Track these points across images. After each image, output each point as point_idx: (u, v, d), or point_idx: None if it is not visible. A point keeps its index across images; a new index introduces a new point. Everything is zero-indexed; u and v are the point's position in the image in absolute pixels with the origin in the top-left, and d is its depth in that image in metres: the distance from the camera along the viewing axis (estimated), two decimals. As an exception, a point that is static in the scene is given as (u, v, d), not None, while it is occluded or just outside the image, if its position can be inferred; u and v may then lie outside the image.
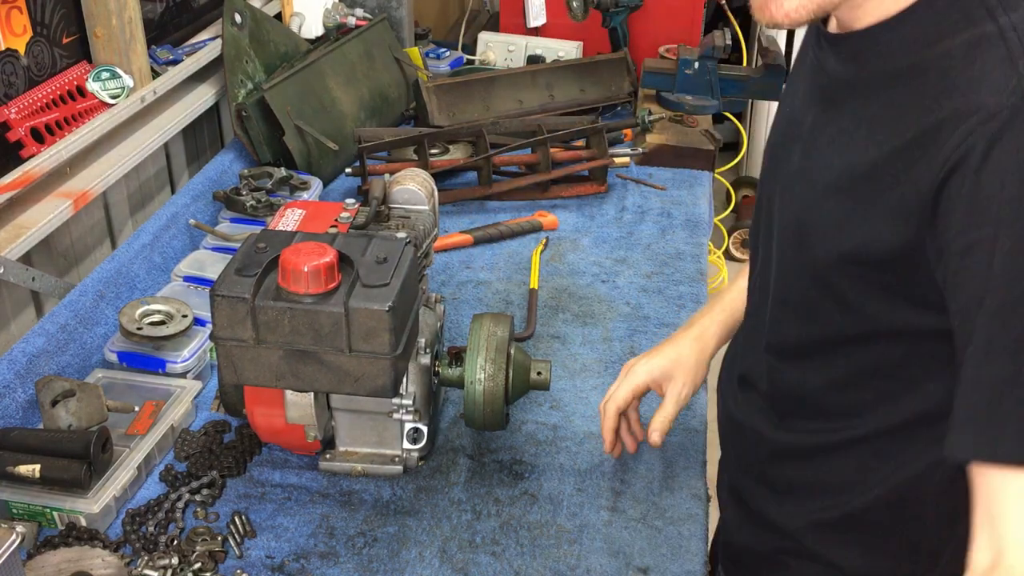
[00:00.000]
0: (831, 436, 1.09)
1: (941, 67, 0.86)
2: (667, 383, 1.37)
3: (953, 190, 0.83)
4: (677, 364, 1.37)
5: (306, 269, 1.15)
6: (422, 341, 1.37)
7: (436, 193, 1.50)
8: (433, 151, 2.28)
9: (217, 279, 1.18)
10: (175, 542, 1.29)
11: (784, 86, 1.18)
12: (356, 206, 1.42)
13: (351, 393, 1.21)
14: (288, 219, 1.42)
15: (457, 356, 1.43)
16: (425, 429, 1.38)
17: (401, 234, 1.35)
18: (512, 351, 1.40)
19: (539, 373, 1.43)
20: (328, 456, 1.41)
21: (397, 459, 1.41)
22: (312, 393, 1.29)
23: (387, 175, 1.48)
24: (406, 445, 1.39)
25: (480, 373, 1.36)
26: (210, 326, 1.61)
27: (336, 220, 1.39)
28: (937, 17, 0.88)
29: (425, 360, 1.38)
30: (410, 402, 1.35)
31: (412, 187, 1.46)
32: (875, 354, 1.00)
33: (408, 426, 1.37)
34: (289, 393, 1.29)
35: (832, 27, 0.99)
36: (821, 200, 0.98)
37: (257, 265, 1.18)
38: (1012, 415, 0.79)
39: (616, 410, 1.38)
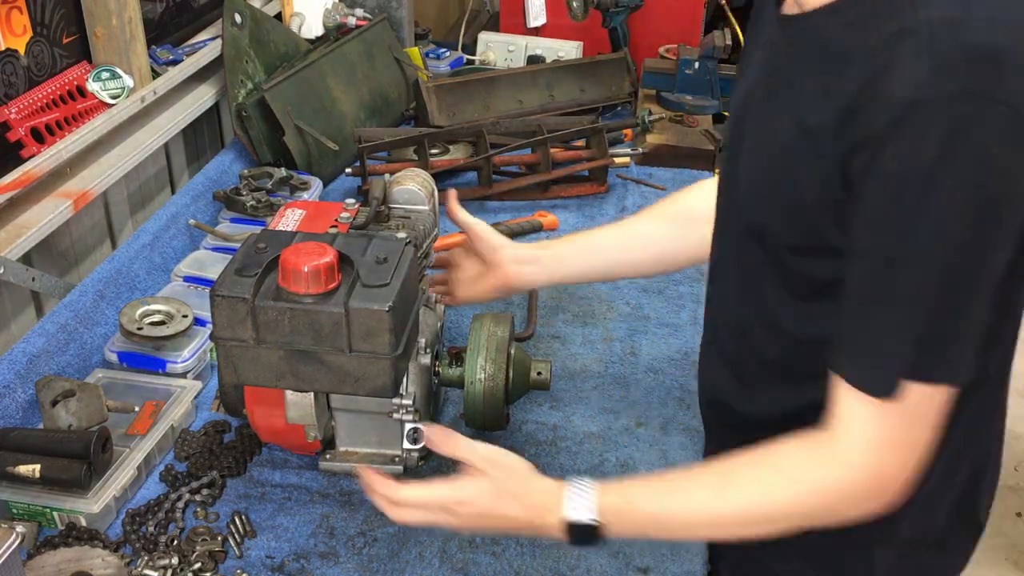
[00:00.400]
0: (796, 402, 1.11)
1: (865, 54, 0.91)
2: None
3: (856, 167, 0.91)
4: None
5: (306, 269, 1.15)
6: (422, 341, 1.37)
7: (436, 193, 1.50)
8: (433, 151, 2.28)
9: (217, 279, 1.18)
10: (175, 542, 1.29)
11: (740, 61, 1.23)
12: (356, 206, 1.42)
13: (351, 393, 1.21)
14: (288, 219, 1.42)
15: (457, 356, 1.43)
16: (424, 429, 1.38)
17: (401, 234, 1.35)
18: (512, 351, 1.41)
19: (539, 373, 1.43)
20: (328, 456, 1.41)
21: (397, 459, 1.41)
22: (312, 393, 1.29)
23: (387, 175, 1.48)
24: (406, 445, 1.39)
25: (480, 373, 1.36)
26: (210, 326, 1.62)
27: (336, 220, 1.39)
28: (872, 6, 0.92)
29: (425, 360, 1.38)
30: (410, 402, 1.35)
31: (412, 187, 1.46)
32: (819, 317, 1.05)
33: (408, 426, 1.37)
34: (289, 393, 1.29)
35: (785, 8, 1.04)
36: (766, 166, 1.05)
37: (257, 265, 1.18)
38: (877, 337, 0.94)
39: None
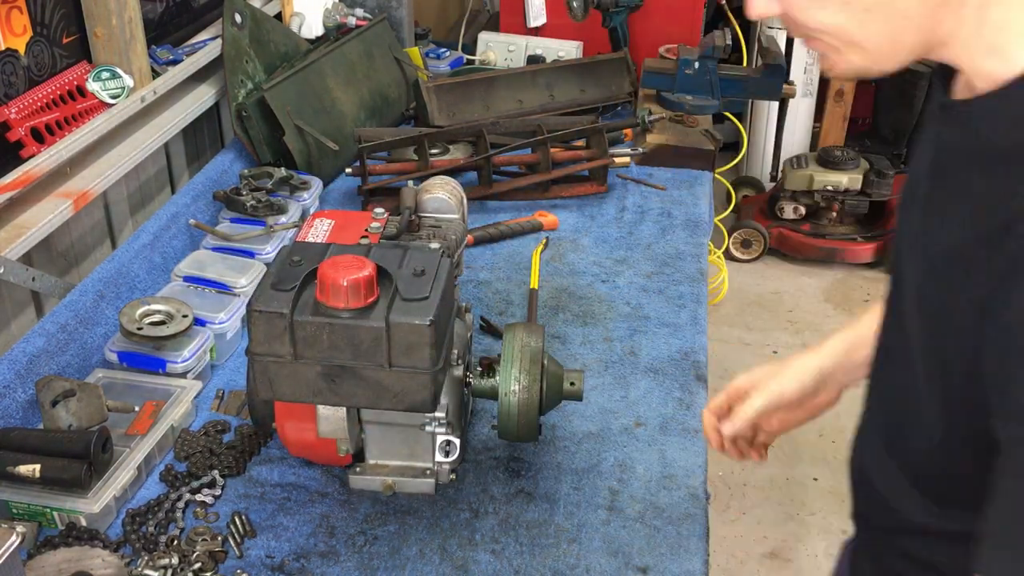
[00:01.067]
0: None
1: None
2: (764, 381, 1.23)
3: (996, 305, 0.73)
4: (778, 368, 1.23)
5: (345, 283, 1.12)
6: (455, 352, 1.34)
7: (466, 201, 1.48)
8: (433, 151, 2.28)
9: (253, 294, 1.16)
10: (175, 542, 1.29)
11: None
12: (385, 216, 1.40)
13: (390, 408, 1.19)
14: (317, 229, 1.40)
15: (489, 367, 1.39)
16: (458, 441, 1.35)
17: (434, 244, 1.33)
18: (545, 361, 1.38)
19: (572, 383, 1.40)
20: (358, 470, 1.38)
21: (428, 472, 1.38)
22: (345, 407, 1.26)
23: (410, 182, 1.45)
24: (439, 458, 1.36)
25: (515, 384, 1.33)
26: (210, 326, 1.62)
27: (366, 230, 1.37)
28: None
29: (458, 372, 1.35)
30: (443, 414, 1.32)
31: (442, 196, 1.44)
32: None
33: (440, 438, 1.35)
34: (321, 407, 1.26)
35: (955, 92, 0.86)
36: (928, 273, 0.87)
37: (294, 279, 1.16)
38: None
39: (708, 412, 1.27)
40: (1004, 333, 0.72)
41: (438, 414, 1.32)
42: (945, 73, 0.85)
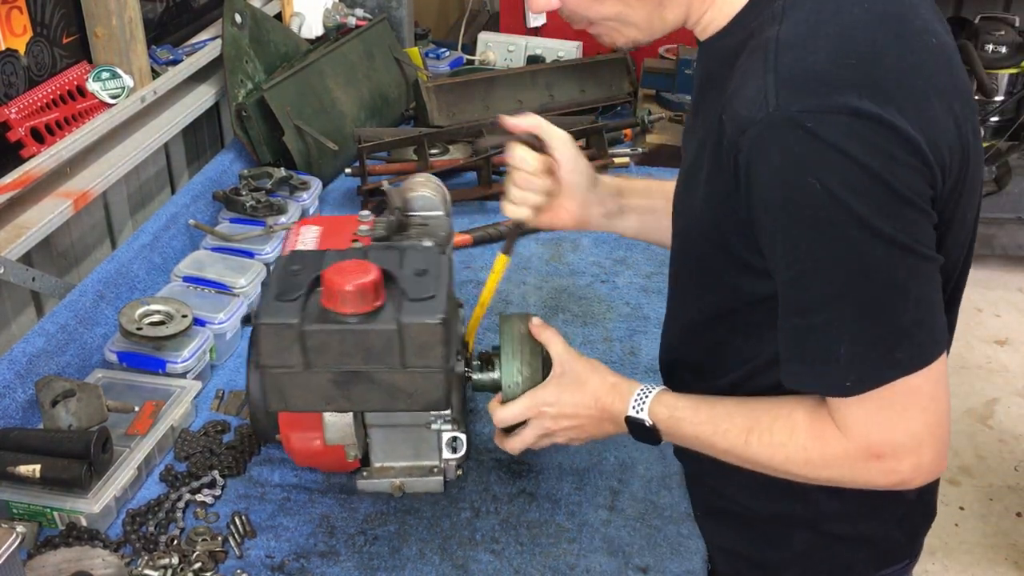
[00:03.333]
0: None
1: (733, 73, 1.00)
2: None
3: (749, 186, 0.97)
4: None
5: (351, 288, 1.12)
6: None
7: (449, 197, 1.48)
8: (433, 151, 2.28)
9: (258, 308, 1.15)
10: (175, 542, 1.29)
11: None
12: (371, 218, 1.39)
13: (405, 409, 1.18)
14: (305, 237, 1.39)
15: (488, 361, 1.38)
16: (464, 437, 1.35)
17: (427, 242, 1.33)
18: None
19: None
20: (365, 474, 1.38)
21: (436, 470, 1.37)
22: (351, 412, 1.26)
23: (385, 183, 1.45)
24: (446, 455, 1.36)
25: (517, 376, 1.32)
26: (210, 326, 1.62)
27: (356, 233, 1.37)
28: (746, 25, 1.03)
29: (460, 367, 1.34)
30: (449, 412, 1.31)
31: (427, 193, 1.44)
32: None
33: (447, 436, 1.35)
34: (328, 414, 1.25)
35: (698, 34, 1.12)
36: (687, 188, 1.15)
37: (297, 289, 1.15)
38: (809, 359, 1.01)
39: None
40: (752, 195, 0.97)
41: (444, 412, 1.31)
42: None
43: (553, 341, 1.28)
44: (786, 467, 1.09)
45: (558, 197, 1.34)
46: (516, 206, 1.31)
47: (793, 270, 0.98)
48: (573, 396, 1.24)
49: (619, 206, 1.40)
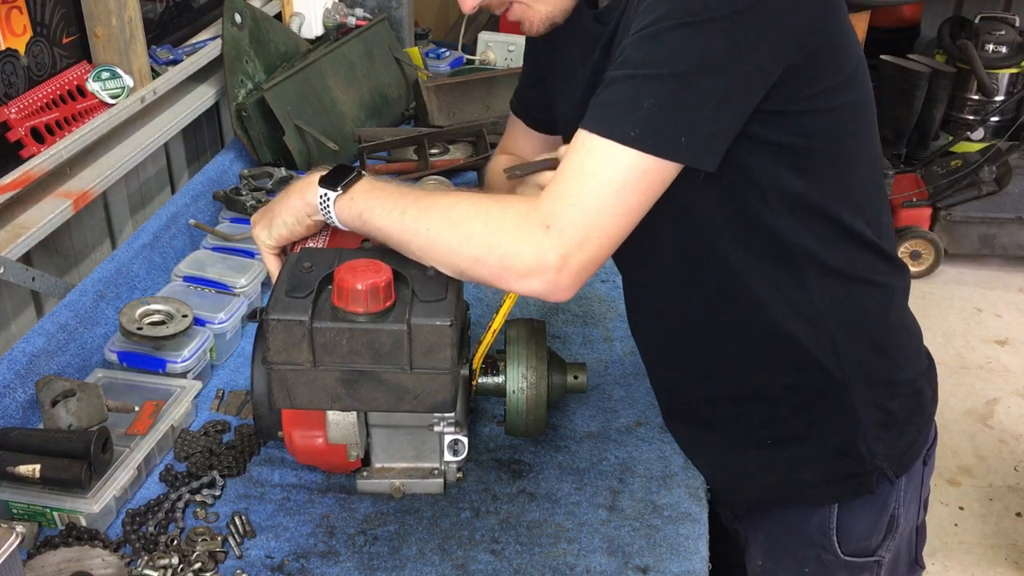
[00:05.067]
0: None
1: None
2: None
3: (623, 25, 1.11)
4: None
5: (363, 287, 1.12)
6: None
7: None
8: (433, 151, 2.28)
9: (269, 303, 1.14)
10: (175, 542, 1.29)
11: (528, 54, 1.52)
12: None
13: (410, 410, 1.19)
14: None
15: (493, 364, 1.39)
16: (466, 440, 1.35)
17: None
18: (549, 357, 1.38)
19: (576, 377, 1.41)
20: (365, 474, 1.38)
21: (436, 471, 1.37)
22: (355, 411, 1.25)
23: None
24: (447, 457, 1.36)
25: (522, 382, 1.34)
26: (210, 326, 1.62)
27: None
28: None
29: (464, 370, 1.34)
30: (452, 414, 1.31)
31: None
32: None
33: (448, 438, 1.35)
34: (331, 413, 1.25)
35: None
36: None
37: (308, 286, 1.15)
38: (613, 99, 1.07)
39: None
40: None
41: (447, 414, 1.31)
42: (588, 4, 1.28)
43: None
44: (462, 223, 1.11)
45: None
46: None
47: (640, 35, 1.05)
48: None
49: None
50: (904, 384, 1.31)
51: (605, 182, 1.06)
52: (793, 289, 1.22)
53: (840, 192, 1.19)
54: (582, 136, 1.08)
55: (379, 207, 1.17)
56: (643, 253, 1.28)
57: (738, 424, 1.36)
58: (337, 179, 1.20)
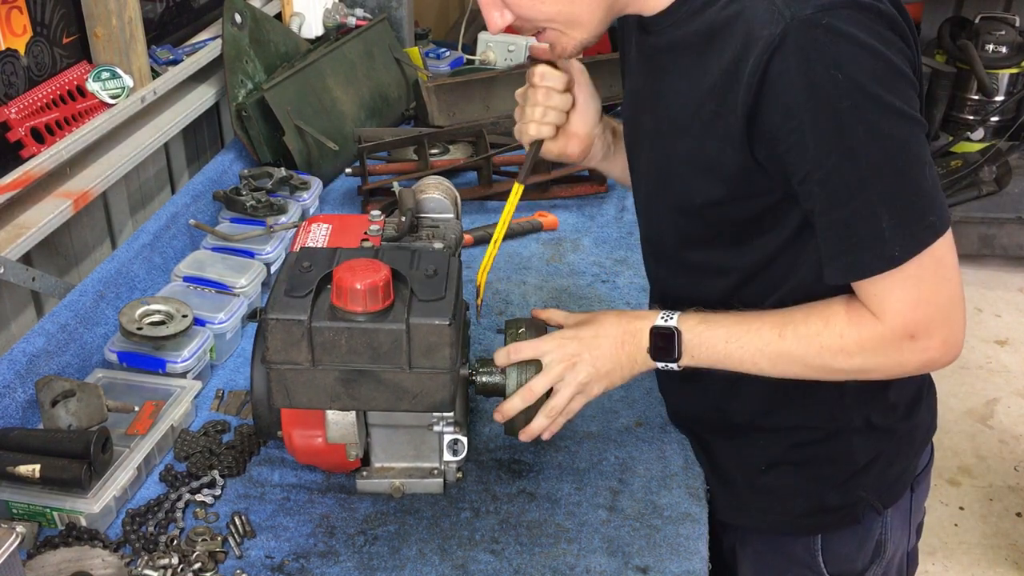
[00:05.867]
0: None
1: (724, 22, 1.09)
2: None
3: (764, 105, 1.06)
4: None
5: (361, 287, 1.12)
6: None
7: (460, 200, 1.48)
8: (433, 151, 2.28)
9: (268, 302, 1.14)
10: (175, 542, 1.29)
11: (622, 71, 1.42)
12: (382, 218, 1.39)
13: (409, 410, 1.19)
14: (316, 234, 1.39)
15: (492, 363, 1.37)
16: (465, 440, 1.35)
17: (438, 244, 1.34)
18: None
19: None
20: (365, 474, 1.38)
21: (436, 471, 1.37)
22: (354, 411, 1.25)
23: (395, 184, 1.46)
24: (447, 457, 1.36)
25: (522, 380, 1.32)
26: (210, 326, 1.62)
27: (366, 233, 1.37)
28: None
29: (464, 370, 1.34)
30: (451, 414, 1.32)
31: (437, 196, 1.44)
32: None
33: (448, 438, 1.34)
34: (330, 412, 1.25)
35: (644, 11, 1.20)
36: (671, 146, 1.21)
37: (307, 285, 1.15)
38: (856, 243, 1.08)
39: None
40: (771, 107, 1.06)
41: (447, 414, 1.31)
42: (630, 19, 1.27)
43: (555, 313, 1.36)
44: (820, 357, 1.16)
45: (571, 125, 1.38)
46: (538, 124, 1.36)
47: (824, 167, 1.05)
48: (593, 330, 1.28)
49: (614, 147, 1.47)
50: (900, 421, 1.33)
51: (937, 288, 1.11)
52: None
53: None
54: (864, 289, 1.12)
55: (726, 363, 1.23)
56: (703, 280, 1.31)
57: (736, 455, 1.40)
58: (667, 350, 1.25)
